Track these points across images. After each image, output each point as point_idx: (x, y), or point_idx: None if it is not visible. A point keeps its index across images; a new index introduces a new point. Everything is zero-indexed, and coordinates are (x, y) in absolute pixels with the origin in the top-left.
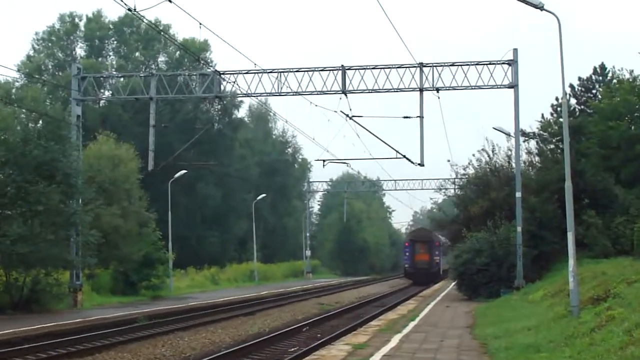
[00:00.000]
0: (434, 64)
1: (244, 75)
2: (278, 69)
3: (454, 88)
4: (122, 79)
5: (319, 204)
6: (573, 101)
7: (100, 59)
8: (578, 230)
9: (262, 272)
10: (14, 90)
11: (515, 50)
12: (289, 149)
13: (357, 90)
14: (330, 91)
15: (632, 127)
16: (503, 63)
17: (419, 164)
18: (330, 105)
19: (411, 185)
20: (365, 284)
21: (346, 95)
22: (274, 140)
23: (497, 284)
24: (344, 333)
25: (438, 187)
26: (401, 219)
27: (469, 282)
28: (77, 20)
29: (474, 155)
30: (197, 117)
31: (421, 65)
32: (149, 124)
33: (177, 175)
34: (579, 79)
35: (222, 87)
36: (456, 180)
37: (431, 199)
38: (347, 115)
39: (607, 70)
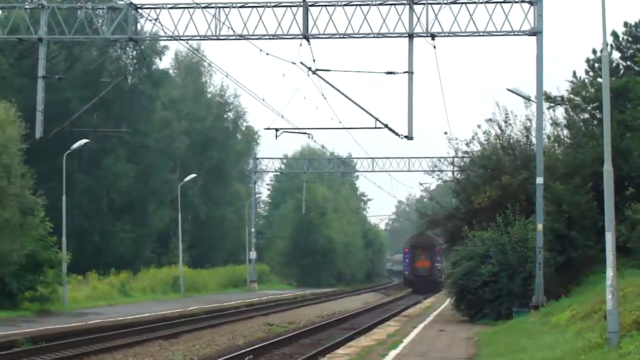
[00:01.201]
0: (429, 1)
1: (169, 10)
2: (216, 4)
3: (455, 34)
4: None
5: (268, 189)
6: (616, 55)
7: None
8: (619, 230)
9: (190, 280)
10: None
11: None
12: (229, 113)
13: (323, 34)
14: (287, 35)
15: None
16: (522, 1)
17: (405, 137)
18: (287, 54)
19: (395, 165)
20: (331, 299)
21: (309, 41)
22: (209, 100)
23: (508, 301)
24: None
25: (431, 168)
26: (380, 211)
27: (470, 298)
28: None
29: (480, 126)
30: (103, 67)
31: (412, 3)
32: (37, 75)
33: (75, 145)
34: (625, 25)
35: (138, 27)
36: (456, 159)
37: (421, 184)
38: (310, 69)
39: None
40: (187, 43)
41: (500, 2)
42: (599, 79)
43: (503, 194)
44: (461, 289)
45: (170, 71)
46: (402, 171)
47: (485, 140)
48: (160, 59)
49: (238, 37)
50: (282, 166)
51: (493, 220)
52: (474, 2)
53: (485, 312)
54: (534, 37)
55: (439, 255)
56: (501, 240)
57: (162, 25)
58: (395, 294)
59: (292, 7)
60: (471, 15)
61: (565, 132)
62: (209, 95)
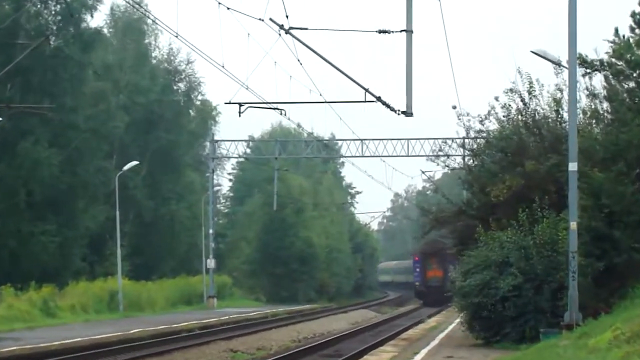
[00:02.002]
0: None
1: None
2: None
3: None
4: None
5: (230, 180)
6: None
7: None
8: None
9: (131, 295)
10: None
11: None
12: (180, 84)
13: None
14: None
15: None
16: None
17: (403, 113)
18: (253, 9)
19: (390, 149)
20: (310, 318)
21: None
22: (154, 68)
23: (534, 320)
24: None
25: (435, 152)
26: (372, 207)
27: (486, 315)
28: None
29: (497, 99)
30: (19, 25)
31: None
32: None
33: None
34: None
35: None
36: (467, 141)
37: (424, 173)
38: (282, 27)
39: None
40: None
41: None
42: None
43: (527, 185)
44: (475, 305)
45: (105, 31)
46: (400, 156)
47: (504, 116)
48: (92, 16)
49: None
50: (248, 150)
51: (514, 218)
52: None
53: (505, 333)
54: None
55: (453, 264)
56: (524, 243)
57: None
58: (390, 312)
59: None
60: None
61: (605, 105)
62: (154, 61)
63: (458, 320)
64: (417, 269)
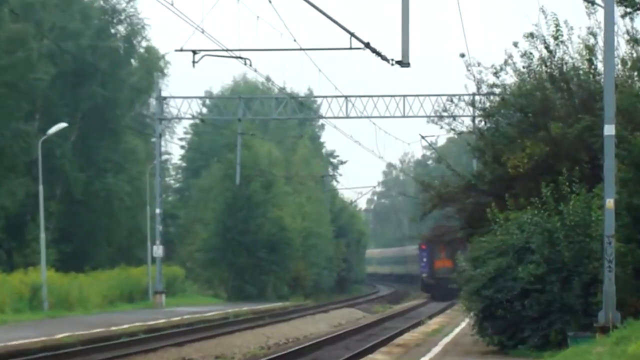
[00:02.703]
0: None
1: None
2: None
3: None
4: None
5: (183, 147)
6: None
7: None
8: None
9: (59, 291)
10: None
11: None
12: (118, 27)
13: None
14: None
15: None
16: None
17: (398, 63)
18: None
19: (382, 108)
20: (282, 319)
21: None
22: (86, 6)
23: (561, 321)
24: None
25: (438, 113)
26: (360, 181)
27: (502, 315)
28: None
29: (516, 45)
30: None
31: None
32: None
33: None
34: None
35: None
36: (478, 98)
37: (424, 138)
38: None
39: None
40: None
41: None
42: None
43: (552, 152)
44: (487, 301)
45: None
46: (394, 117)
47: (524, 67)
48: None
49: None
50: (204, 110)
51: (536, 194)
52: None
53: (524, 336)
54: None
55: (464, 253)
56: (549, 225)
57: None
58: (382, 311)
59: None
60: None
61: None
62: None
63: (466, 321)
64: (424, 259)
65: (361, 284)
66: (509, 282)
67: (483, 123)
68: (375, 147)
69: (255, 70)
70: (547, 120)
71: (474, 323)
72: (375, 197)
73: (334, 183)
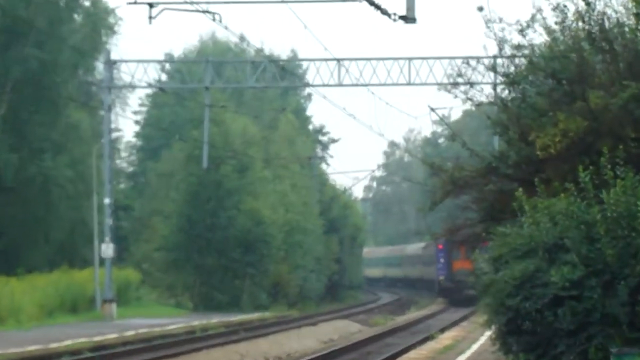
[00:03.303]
0: None
1: None
2: None
3: None
4: None
5: (137, 123)
6: None
7: None
8: None
9: None
10: None
11: None
12: None
13: None
14: None
15: None
16: None
17: (402, 18)
18: None
19: (382, 74)
20: (260, 333)
21: None
22: None
23: (602, 335)
24: None
25: (451, 79)
26: (355, 164)
27: (529, 329)
28: None
29: None
30: None
31: None
32: None
33: None
34: None
35: None
36: (499, 62)
37: (433, 110)
38: None
39: None
40: None
41: None
42: None
43: (591, 128)
44: (512, 311)
45: None
46: (398, 85)
47: (556, 23)
48: None
49: None
50: (164, 77)
51: (572, 179)
52: None
53: (557, 353)
54: None
55: (487, 253)
56: (588, 217)
57: None
58: (384, 323)
59: None
60: None
61: None
62: None
63: (486, 335)
64: (442, 260)
65: (358, 290)
66: (539, 288)
67: (506, 92)
68: (374, 122)
69: (226, 28)
70: (585, 89)
71: (495, 337)
72: (375, 184)
73: (324, 166)
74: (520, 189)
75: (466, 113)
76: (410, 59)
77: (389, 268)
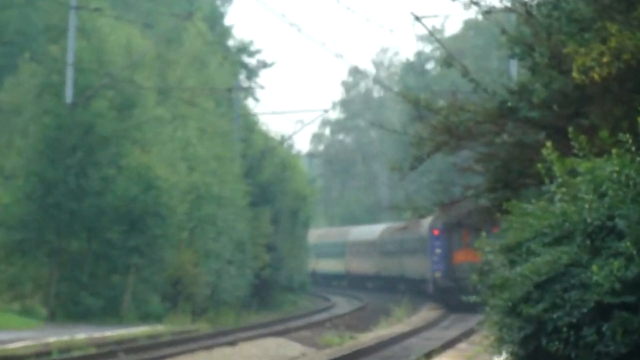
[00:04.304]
0: None
1: None
2: None
3: None
4: None
5: None
6: None
7: None
8: None
9: None
10: None
11: None
12: None
13: None
14: None
15: None
16: None
17: None
18: None
19: None
20: (149, 358)
21: None
22: None
23: None
24: None
25: None
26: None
27: (560, 353)
28: None
29: None
30: None
31: None
32: None
33: None
34: None
35: None
36: None
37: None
38: None
39: None
40: None
41: None
42: None
43: None
44: (533, 325)
45: None
46: None
47: None
48: None
49: None
50: None
51: (626, 126)
52: None
53: None
54: None
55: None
56: None
57: None
58: (338, 343)
59: None
60: None
61: None
62: None
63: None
64: (438, 250)
65: (300, 293)
66: (574, 290)
67: None
68: (329, 36)
69: None
70: None
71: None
72: (328, 131)
73: (252, 103)
74: (549, 142)
75: (469, 25)
76: None
77: (350, 260)
